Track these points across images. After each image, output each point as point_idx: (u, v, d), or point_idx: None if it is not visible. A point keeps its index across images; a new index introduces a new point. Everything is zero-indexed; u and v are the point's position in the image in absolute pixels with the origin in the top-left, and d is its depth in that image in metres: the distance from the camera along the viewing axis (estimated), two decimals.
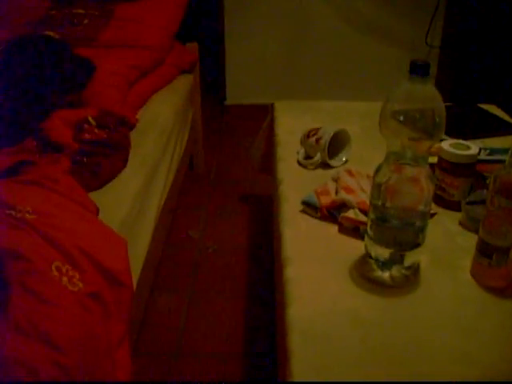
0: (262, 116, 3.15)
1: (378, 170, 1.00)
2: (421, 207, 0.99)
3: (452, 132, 1.57)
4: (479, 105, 1.99)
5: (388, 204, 0.98)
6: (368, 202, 1.17)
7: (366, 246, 1.07)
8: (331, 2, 3.21)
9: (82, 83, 1.71)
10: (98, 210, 1.25)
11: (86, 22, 2.07)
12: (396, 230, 1.01)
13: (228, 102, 3.50)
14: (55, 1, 2.31)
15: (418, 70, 0.90)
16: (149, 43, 2.09)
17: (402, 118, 0.95)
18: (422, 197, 0.97)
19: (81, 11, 2.13)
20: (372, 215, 1.02)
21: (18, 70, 1.58)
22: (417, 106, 0.95)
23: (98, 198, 1.33)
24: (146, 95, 2.01)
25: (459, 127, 1.70)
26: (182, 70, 2.37)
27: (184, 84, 2.38)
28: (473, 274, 1.07)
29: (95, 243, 1.09)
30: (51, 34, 1.95)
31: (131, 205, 1.40)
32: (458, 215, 1.25)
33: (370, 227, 1.04)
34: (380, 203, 0.99)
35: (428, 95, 0.94)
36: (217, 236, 2.20)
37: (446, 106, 0.95)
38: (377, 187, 0.99)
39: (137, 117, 1.84)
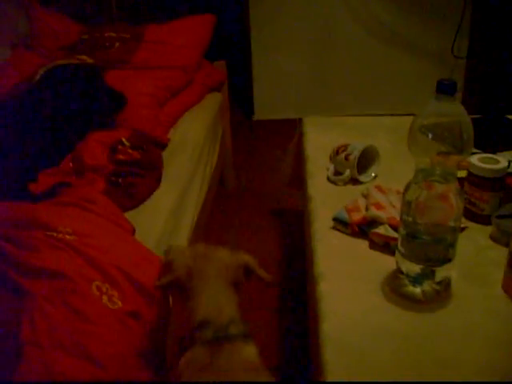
0: (289, 130, 3.19)
1: (407, 188, 1.01)
2: (451, 223, 1.00)
3: (481, 144, 1.57)
4: (508, 116, 1.99)
5: (418, 220, 1.00)
6: (398, 218, 1.19)
7: (397, 262, 1.09)
8: (356, 15, 3.23)
9: (112, 115, 1.76)
10: (133, 230, 1.29)
11: (117, 45, 2.14)
12: (426, 246, 1.02)
13: (256, 117, 3.54)
14: (87, 25, 2.39)
15: (444, 89, 0.91)
16: (179, 64, 2.15)
17: (430, 136, 0.96)
18: (451, 213, 0.99)
19: (112, 34, 2.20)
20: (403, 231, 1.04)
21: (54, 98, 1.64)
22: (445, 124, 0.96)
23: (133, 218, 1.37)
24: (177, 114, 2.06)
25: (488, 139, 1.70)
26: (211, 88, 2.42)
27: (213, 102, 2.42)
28: (504, 289, 1.08)
29: (132, 262, 1.13)
30: (84, 57, 2.02)
31: (165, 223, 1.44)
32: (489, 229, 1.26)
33: (401, 243, 1.05)
34: (410, 220, 1.01)
35: (455, 112, 0.95)
36: (248, 251, 2.22)
37: (474, 119, 0.96)
38: (407, 204, 1.01)
39: (168, 136, 1.89)
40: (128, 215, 1.38)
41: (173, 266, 1.02)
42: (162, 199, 1.52)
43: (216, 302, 0.98)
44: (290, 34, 3.30)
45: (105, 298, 0.99)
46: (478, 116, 1.92)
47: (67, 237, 1.10)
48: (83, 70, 1.84)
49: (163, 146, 1.78)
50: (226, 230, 2.38)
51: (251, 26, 3.26)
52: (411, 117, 2.16)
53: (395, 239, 1.16)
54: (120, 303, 0.99)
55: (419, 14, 3.20)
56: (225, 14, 2.75)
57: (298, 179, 2.01)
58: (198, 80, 2.29)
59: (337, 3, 3.20)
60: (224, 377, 0.89)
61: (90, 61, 1.99)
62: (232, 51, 3.28)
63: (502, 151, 1.63)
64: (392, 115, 2.20)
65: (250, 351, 0.95)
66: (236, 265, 1.06)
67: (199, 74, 2.30)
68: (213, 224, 2.37)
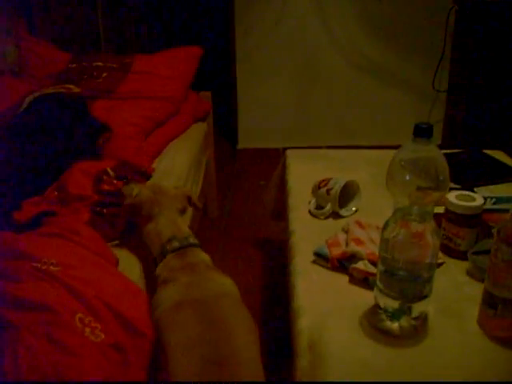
0: (273, 160, 3.24)
1: (385, 226, 1.05)
2: (427, 260, 1.03)
3: (459, 179, 1.61)
4: (486, 151, 2.04)
5: (396, 257, 1.03)
6: (377, 254, 1.23)
7: (375, 297, 1.11)
8: (340, 48, 3.31)
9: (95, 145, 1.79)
10: (117, 261, 1.30)
11: (104, 74, 2.17)
12: (404, 282, 1.05)
13: (240, 146, 3.58)
14: (75, 54, 2.42)
15: (421, 133, 0.95)
16: (165, 95, 2.18)
17: (407, 177, 1.00)
18: (427, 251, 1.02)
19: (100, 64, 2.23)
20: (381, 267, 1.07)
21: (41, 127, 1.66)
22: (421, 165, 1.00)
23: (116, 249, 1.38)
24: (163, 144, 2.09)
25: (466, 174, 1.75)
26: (196, 118, 2.45)
27: (198, 131, 2.45)
28: (480, 324, 1.11)
29: (116, 295, 1.14)
30: (72, 87, 2.05)
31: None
32: (466, 264, 1.29)
33: (379, 279, 1.08)
34: (388, 256, 1.04)
35: (431, 155, 0.99)
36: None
37: (452, 153, 1.00)
38: (385, 241, 1.04)
39: (153, 166, 1.91)
40: (112, 246, 1.39)
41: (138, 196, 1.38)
42: None
43: (175, 222, 1.34)
44: (274, 66, 3.37)
45: (87, 330, 1.00)
46: (457, 150, 1.97)
47: (51, 268, 1.11)
48: (69, 99, 1.86)
49: (148, 176, 1.80)
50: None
51: (237, 57, 3.32)
52: (391, 150, 2.22)
53: (374, 274, 1.19)
54: (103, 335, 1.01)
55: (402, 48, 3.30)
56: (211, 44, 2.80)
57: (281, 211, 2.04)
58: (184, 110, 2.32)
59: (321, 36, 3.28)
60: (191, 271, 1.22)
61: (76, 90, 2.02)
62: (217, 80, 3.32)
63: (479, 186, 1.67)
64: (374, 147, 2.25)
65: (206, 255, 1.30)
66: (182, 196, 1.45)
67: (185, 105, 2.34)
68: None
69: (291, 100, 3.47)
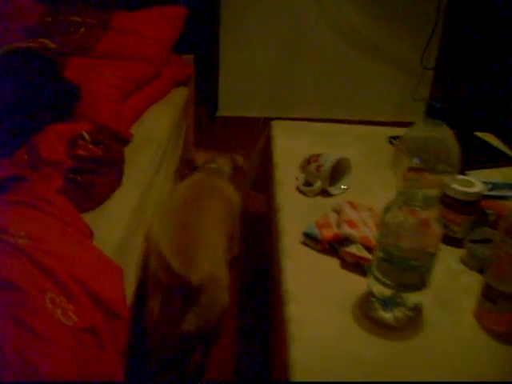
0: (253, 129, 3.13)
1: (387, 210, 0.97)
2: (429, 249, 0.97)
3: None
4: (477, 133, 1.98)
5: (397, 245, 0.96)
6: (371, 238, 1.15)
7: (368, 285, 1.05)
8: (328, 17, 3.19)
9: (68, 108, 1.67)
10: (92, 234, 1.21)
11: (82, 30, 2.02)
12: (403, 271, 0.98)
13: (220, 113, 3.46)
14: (50, 7, 2.26)
15: (435, 113, 0.87)
16: (146, 56, 2.06)
17: (417, 160, 0.92)
18: (432, 239, 0.95)
19: (77, 19, 2.08)
20: (379, 254, 1.00)
21: (10, 84, 1.53)
22: (432, 147, 0.92)
23: (91, 220, 1.29)
24: (142, 109, 1.97)
25: None
26: (177, 82, 2.34)
27: (179, 97, 2.34)
28: (476, 317, 1.05)
29: (90, 272, 1.05)
30: (46, 41, 1.91)
31: (126, 226, 1.36)
32: (460, 252, 1.24)
33: (376, 266, 1.01)
34: (389, 243, 0.97)
35: (443, 137, 0.92)
36: None
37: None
38: (385, 227, 0.97)
39: (131, 131, 1.80)
40: (87, 217, 1.29)
41: None
42: (123, 200, 1.44)
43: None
44: (260, 31, 3.23)
45: (59, 311, 0.91)
46: None
47: (19, 241, 1.01)
48: (41, 57, 1.73)
49: (126, 141, 1.69)
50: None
51: (221, 20, 3.18)
52: (379, 127, 2.15)
53: (367, 260, 1.12)
54: (76, 319, 0.92)
55: (392, 21, 3.20)
56: (195, 6, 2.66)
57: (262, 182, 1.96)
58: (166, 74, 2.21)
59: (310, 4, 3.16)
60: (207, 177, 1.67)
61: (52, 45, 1.89)
62: (199, 44, 3.18)
63: (470, 170, 1.62)
64: (356, 122, 2.18)
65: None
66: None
67: (167, 68, 2.23)
68: None
69: (275, 69, 3.35)
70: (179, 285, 1.15)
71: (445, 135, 0.92)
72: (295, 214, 1.37)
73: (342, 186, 1.49)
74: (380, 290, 1.02)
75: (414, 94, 3.37)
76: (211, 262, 1.26)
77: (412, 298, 1.02)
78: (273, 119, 1.99)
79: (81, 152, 1.47)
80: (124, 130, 1.73)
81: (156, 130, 1.90)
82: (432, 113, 0.88)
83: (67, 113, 1.63)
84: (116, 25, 2.11)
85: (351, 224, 1.20)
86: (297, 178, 1.51)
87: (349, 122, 3.31)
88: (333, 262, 1.18)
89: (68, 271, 0.99)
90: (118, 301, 1.03)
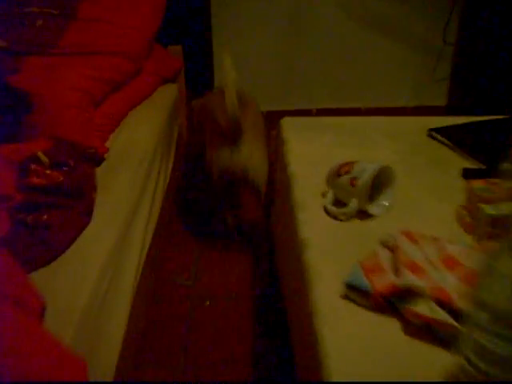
0: None
1: (497, 256, 0.60)
2: None
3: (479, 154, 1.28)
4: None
5: None
6: (446, 289, 0.79)
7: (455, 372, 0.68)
8: None
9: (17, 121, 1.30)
10: (43, 307, 0.84)
11: (40, 23, 1.64)
12: None
13: None
14: None
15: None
16: (122, 49, 1.70)
17: None
18: None
19: (35, 10, 1.70)
20: (481, 320, 0.63)
21: None
22: None
23: (47, 278, 0.93)
24: (119, 115, 1.62)
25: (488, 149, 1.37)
26: (164, 79, 1.98)
27: (167, 95, 2.00)
28: None
29: (39, 373, 0.69)
30: None
31: (96, 285, 0.99)
32: None
33: (473, 342, 0.64)
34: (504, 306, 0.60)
35: None
36: (213, 283, 1.79)
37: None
38: (499, 279, 0.60)
39: (106, 145, 1.43)
40: (41, 274, 0.93)
41: None
42: (93, 246, 1.06)
43: None
44: (257, 15, 2.89)
45: None
46: (485, 118, 1.54)
47: None
48: None
49: (98, 160, 1.33)
50: (183, 257, 1.94)
51: (212, 7, 2.81)
52: (414, 117, 1.77)
53: (445, 324, 0.76)
54: None
55: None
56: None
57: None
58: (148, 69, 1.87)
59: None
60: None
61: (2, 44, 1.51)
62: (189, 34, 2.83)
63: None
64: (377, 110, 1.82)
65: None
66: None
67: (149, 62, 1.89)
68: (168, 249, 1.93)
69: (276, 56, 3.00)
70: (232, 129, 1.57)
71: None
72: (327, 247, 1.01)
73: (384, 203, 1.12)
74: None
75: (433, 75, 3.00)
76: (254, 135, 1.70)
77: None
78: (276, 112, 1.64)
79: (34, 180, 1.11)
80: (96, 145, 1.37)
81: (138, 141, 1.54)
82: None
83: (15, 129, 1.26)
84: (83, 14, 1.73)
85: (414, 268, 0.84)
86: (323, 196, 1.14)
87: (365, 110, 2.94)
88: (391, 325, 0.82)
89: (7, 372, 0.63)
90: None
